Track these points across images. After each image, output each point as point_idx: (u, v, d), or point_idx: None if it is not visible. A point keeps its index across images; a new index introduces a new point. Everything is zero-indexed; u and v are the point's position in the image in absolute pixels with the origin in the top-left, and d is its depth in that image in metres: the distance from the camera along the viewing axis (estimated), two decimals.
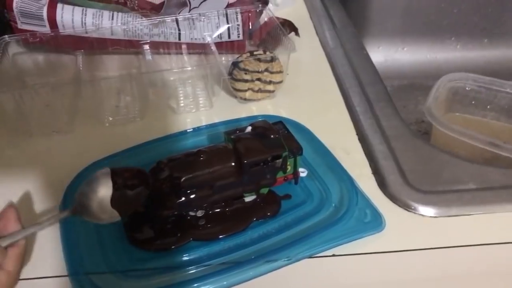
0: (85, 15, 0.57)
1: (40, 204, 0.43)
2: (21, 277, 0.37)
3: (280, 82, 0.54)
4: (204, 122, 0.52)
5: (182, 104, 0.54)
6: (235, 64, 0.52)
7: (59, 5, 0.56)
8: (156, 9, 0.63)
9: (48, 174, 0.46)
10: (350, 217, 0.40)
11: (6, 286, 0.34)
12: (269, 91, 0.54)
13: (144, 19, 0.58)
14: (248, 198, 0.42)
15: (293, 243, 0.38)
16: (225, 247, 0.39)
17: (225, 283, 0.36)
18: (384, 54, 0.90)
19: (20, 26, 0.57)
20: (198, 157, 0.39)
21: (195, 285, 0.35)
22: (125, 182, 0.37)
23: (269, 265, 0.37)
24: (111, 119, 0.52)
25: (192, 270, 0.37)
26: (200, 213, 0.41)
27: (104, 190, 0.36)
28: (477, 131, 0.56)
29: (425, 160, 0.48)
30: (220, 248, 0.39)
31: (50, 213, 0.42)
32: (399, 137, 0.50)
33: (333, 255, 0.39)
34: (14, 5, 0.55)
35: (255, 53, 0.52)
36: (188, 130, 0.50)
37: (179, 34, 0.58)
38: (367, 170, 0.46)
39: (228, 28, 0.59)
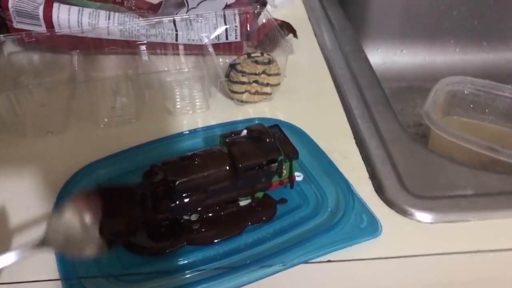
0: (82, 15, 0.56)
1: (33, 205, 0.42)
2: (13, 281, 0.36)
3: (278, 84, 0.54)
4: (200, 124, 0.52)
5: (178, 106, 0.53)
6: (232, 66, 0.51)
7: (55, 5, 0.56)
8: (154, 9, 0.63)
9: (42, 175, 0.46)
10: (346, 222, 0.40)
11: None
12: (266, 93, 0.54)
13: (141, 19, 0.58)
14: (243, 202, 0.42)
15: (288, 248, 0.37)
16: (220, 252, 0.38)
17: None
18: (382, 56, 0.90)
19: (16, 25, 0.56)
20: (192, 160, 0.39)
21: None
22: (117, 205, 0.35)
23: (264, 270, 0.36)
24: (106, 120, 0.51)
25: (186, 275, 0.37)
26: (194, 217, 0.40)
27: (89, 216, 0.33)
28: (475, 135, 0.55)
29: (423, 164, 0.47)
30: (214, 252, 0.38)
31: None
32: (397, 141, 0.49)
33: (329, 261, 0.38)
34: (10, 4, 0.55)
35: (252, 55, 0.52)
36: (184, 132, 0.50)
37: (176, 35, 0.58)
38: (364, 174, 0.46)
39: (226, 30, 0.59)
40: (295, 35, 0.63)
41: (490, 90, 0.68)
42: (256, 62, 0.51)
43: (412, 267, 0.39)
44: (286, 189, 0.43)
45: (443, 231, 0.41)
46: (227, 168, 0.39)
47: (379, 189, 0.44)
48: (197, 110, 0.54)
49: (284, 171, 0.41)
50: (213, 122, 0.52)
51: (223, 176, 0.39)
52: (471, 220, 0.42)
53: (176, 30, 0.58)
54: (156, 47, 0.58)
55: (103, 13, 0.57)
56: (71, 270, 0.36)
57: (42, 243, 0.33)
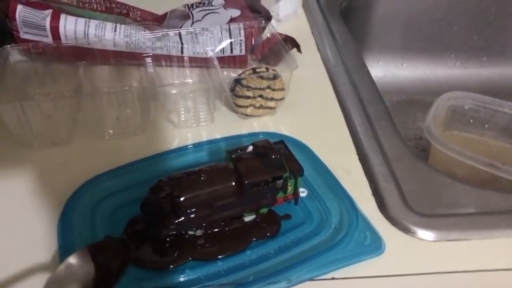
0: (88, 26, 0.57)
1: (39, 218, 0.43)
2: None
3: (282, 99, 0.54)
4: (205, 137, 0.52)
5: (183, 118, 0.54)
6: (237, 81, 0.52)
7: (62, 16, 0.56)
8: (159, 21, 0.63)
9: (48, 187, 0.46)
10: (350, 240, 0.40)
11: None
12: (270, 108, 0.54)
13: (147, 31, 0.58)
14: (248, 218, 0.42)
15: (293, 265, 0.38)
16: (224, 268, 0.39)
17: None
18: (383, 70, 0.90)
19: (23, 35, 0.57)
20: (199, 176, 0.39)
21: None
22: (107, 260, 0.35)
23: (270, 287, 0.36)
24: (111, 132, 0.52)
25: None
26: (199, 233, 0.41)
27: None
28: (475, 150, 0.56)
29: (425, 182, 0.48)
30: (219, 268, 0.39)
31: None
32: (400, 157, 0.50)
33: (333, 278, 0.38)
34: (17, 14, 0.55)
35: (257, 70, 0.52)
36: (188, 146, 0.50)
37: (182, 47, 0.58)
38: (367, 191, 0.46)
39: (231, 43, 0.59)
40: (299, 50, 0.64)
41: (490, 105, 0.69)
42: (262, 77, 0.51)
43: (415, 286, 0.39)
44: (290, 205, 0.43)
45: (445, 249, 0.42)
46: (233, 184, 0.40)
47: (382, 206, 0.45)
48: (201, 123, 0.54)
49: (289, 188, 0.42)
50: (217, 136, 0.52)
51: (228, 192, 0.40)
52: (474, 238, 0.42)
53: (182, 43, 0.58)
54: (161, 59, 0.59)
55: (109, 25, 0.58)
56: None
57: None
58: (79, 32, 0.57)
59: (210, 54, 0.59)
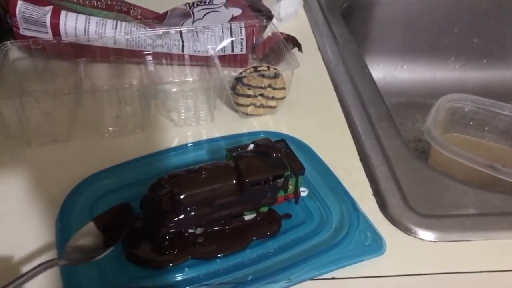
0: (89, 23, 0.57)
1: (38, 214, 0.42)
2: None
3: (283, 98, 0.54)
4: (205, 136, 0.52)
5: (183, 117, 0.53)
6: (238, 79, 0.51)
7: (63, 13, 0.56)
8: (159, 19, 0.63)
9: (47, 184, 0.45)
10: (351, 240, 0.40)
11: None
12: (271, 107, 0.54)
13: (147, 29, 0.58)
14: (248, 217, 0.42)
15: (293, 265, 0.37)
16: (224, 267, 0.38)
17: None
18: (383, 71, 0.90)
19: (22, 32, 0.56)
20: (199, 174, 0.39)
21: None
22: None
23: (269, 286, 0.36)
24: (111, 129, 0.51)
25: None
26: (199, 231, 0.40)
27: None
28: (475, 152, 0.56)
29: (426, 183, 0.47)
30: (218, 267, 0.38)
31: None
32: (400, 158, 0.50)
33: (333, 278, 0.38)
34: (17, 10, 0.55)
35: (259, 68, 0.52)
36: (188, 145, 0.50)
37: (183, 46, 0.58)
38: (368, 191, 0.46)
39: (232, 42, 0.59)
40: (300, 49, 0.63)
41: (490, 108, 0.69)
42: (263, 76, 0.51)
43: (416, 286, 0.39)
44: (291, 204, 0.43)
45: (446, 250, 0.41)
46: (233, 182, 0.39)
47: (383, 206, 0.45)
48: (202, 122, 0.54)
49: (290, 187, 0.41)
50: (217, 134, 0.52)
51: (229, 190, 0.39)
52: (474, 240, 0.42)
53: (183, 41, 0.58)
54: (161, 57, 0.59)
55: (110, 22, 0.57)
56: (76, 284, 0.36)
57: (63, 258, 0.35)
58: (80, 29, 0.57)
59: (211, 52, 0.58)
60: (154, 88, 0.52)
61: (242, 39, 0.59)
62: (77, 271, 0.37)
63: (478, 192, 0.47)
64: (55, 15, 0.56)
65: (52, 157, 0.49)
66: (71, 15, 0.56)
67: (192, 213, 0.38)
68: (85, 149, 0.50)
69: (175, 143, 0.51)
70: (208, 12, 0.63)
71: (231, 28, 0.59)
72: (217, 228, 0.41)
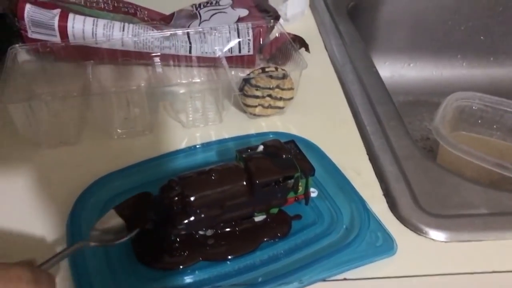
0: (96, 25, 0.57)
1: (47, 217, 0.42)
2: None
3: (291, 98, 0.54)
4: (213, 137, 0.52)
5: (191, 118, 0.53)
6: (246, 81, 0.51)
7: (71, 15, 0.56)
8: (166, 20, 0.63)
9: (56, 187, 0.46)
10: (362, 241, 0.40)
11: None
12: (279, 107, 0.54)
13: (155, 31, 0.58)
14: (258, 218, 0.42)
15: (305, 266, 0.37)
16: (235, 268, 0.38)
17: None
18: (390, 70, 0.90)
19: (31, 35, 0.56)
20: (210, 176, 0.39)
21: None
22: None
23: None
24: (119, 131, 0.52)
25: None
26: (209, 233, 0.40)
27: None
28: (483, 150, 0.56)
29: (436, 182, 0.47)
30: (229, 269, 0.38)
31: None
32: (410, 157, 0.49)
33: (345, 279, 0.38)
34: (26, 14, 0.55)
35: (266, 69, 0.52)
36: (197, 146, 0.50)
37: (190, 47, 0.58)
38: (378, 191, 0.46)
39: (239, 43, 0.59)
40: (307, 49, 0.63)
41: (498, 106, 0.68)
42: (271, 76, 0.51)
43: (427, 287, 0.39)
44: (301, 205, 0.43)
45: (457, 250, 0.41)
46: (244, 183, 0.39)
47: (393, 206, 0.44)
48: (210, 123, 0.54)
49: (300, 188, 0.41)
50: (226, 135, 0.52)
51: (239, 192, 0.39)
52: (486, 240, 0.42)
53: (190, 43, 0.58)
54: (169, 59, 0.59)
55: (117, 24, 0.57)
56: (87, 284, 0.36)
57: (91, 239, 0.37)
58: (87, 31, 0.57)
59: (219, 53, 0.58)
60: (162, 89, 0.52)
61: (249, 40, 0.59)
62: (88, 272, 0.37)
63: (488, 192, 0.46)
64: (63, 18, 0.56)
65: (62, 160, 0.49)
66: (79, 18, 0.56)
67: (203, 215, 0.38)
68: (94, 151, 0.50)
69: (183, 144, 0.51)
70: (215, 13, 0.63)
71: (238, 29, 0.58)
72: (227, 229, 0.41)
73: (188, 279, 0.38)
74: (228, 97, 0.54)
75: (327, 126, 0.54)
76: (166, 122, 0.54)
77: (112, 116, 0.51)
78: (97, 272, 0.37)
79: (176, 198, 0.38)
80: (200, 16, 0.63)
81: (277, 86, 0.52)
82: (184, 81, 0.59)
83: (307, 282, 0.37)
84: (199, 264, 0.39)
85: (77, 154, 0.50)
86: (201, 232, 0.40)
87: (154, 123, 0.53)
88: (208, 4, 0.65)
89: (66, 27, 0.56)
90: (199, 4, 0.65)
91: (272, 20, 0.60)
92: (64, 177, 0.47)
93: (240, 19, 0.62)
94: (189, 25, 0.61)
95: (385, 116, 0.55)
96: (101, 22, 0.57)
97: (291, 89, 0.53)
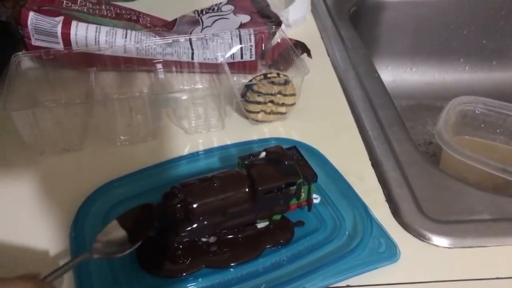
0: (99, 32, 0.57)
1: (51, 224, 0.43)
2: None
3: (293, 104, 0.54)
4: (216, 143, 0.52)
5: (193, 125, 0.53)
6: (248, 87, 0.52)
7: (73, 23, 0.57)
8: (168, 27, 0.64)
9: (59, 194, 0.46)
10: (365, 247, 0.40)
11: None
12: (281, 113, 0.54)
13: (157, 37, 0.58)
14: (261, 225, 0.42)
15: (308, 273, 0.37)
16: (238, 275, 0.38)
17: None
18: (392, 74, 0.90)
19: (34, 42, 0.57)
20: (212, 182, 0.39)
21: None
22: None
23: None
24: (122, 138, 0.52)
25: None
26: (212, 239, 0.40)
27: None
28: (486, 155, 0.55)
29: (439, 188, 0.47)
30: (232, 276, 0.38)
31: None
32: (412, 163, 0.49)
33: (348, 286, 0.38)
34: (29, 21, 0.56)
35: (268, 75, 0.52)
36: (200, 152, 0.50)
37: (192, 53, 0.58)
38: (381, 197, 0.46)
39: (241, 49, 0.59)
40: (309, 55, 0.63)
41: (501, 110, 0.68)
42: (273, 82, 0.51)
43: None
44: (303, 212, 0.43)
45: (461, 256, 0.41)
46: (246, 190, 0.39)
47: (396, 212, 0.44)
48: (212, 129, 0.54)
49: (303, 194, 0.41)
50: (228, 142, 0.52)
51: (242, 199, 0.39)
52: (490, 245, 0.42)
53: (192, 49, 0.58)
54: (171, 65, 0.59)
55: (120, 31, 0.58)
56: None
57: (95, 252, 0.37)
58: (90, 38, 0.57)
59: (221, 59, 0.59)
60: (164, 96, 0.53)
61: (251, 45, 0.59)
62: (91, 279, 0.37)
63: (492, 197, 0.46)
64: (66, 25, 0.56)
65: (65, 166, 0.49)
66: (82, 25, 0.57)
67: (205, 222, 0.38)
68: (97, 158, 0.50)
69: (186, 151, 0.51)
70: (217, 19, 0.63)
71: (240, 35, 0.59)
72: (230, 236, 0.41)
73: (191, 287, 0.38)
74: (230, 103, 0.54)
75: (329, 131, 0.54)
76: (169, 129, 0.54)
77: (115, 123, 0.51)
78: (100, 281, 0.37)
79: (179, 205, 0.38)
80: (202, 22, 0.63)
81: (279, 92, 0.52)
82: (186, 88, 0.59)
83: None
84: (202, 272, 0.39)
85: (80, 161, 0.50)
86: (204, 239, 0.40)
87: (157, 129, 0.53)
88: (210, 11, 0.65)
89: (69, 34, 0.56)
90: (201, 10, 0.65)
91: (274, 26, 0.60)
92: (67, 184, 0.47)
93: (242, 25, 0.62)
94: (191, 32, 0.62)
95: (387, 121, 0.55)
96: (104, 29, 0.57)
97: (293, 95, 0.53)
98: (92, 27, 0.57)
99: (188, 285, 0.38)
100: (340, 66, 0.66)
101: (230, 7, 0.65)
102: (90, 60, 0.56)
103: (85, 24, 0.57)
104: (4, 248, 0.41)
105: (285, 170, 0.41)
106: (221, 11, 0.64)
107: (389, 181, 0.47)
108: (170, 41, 0.57)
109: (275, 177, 0.40)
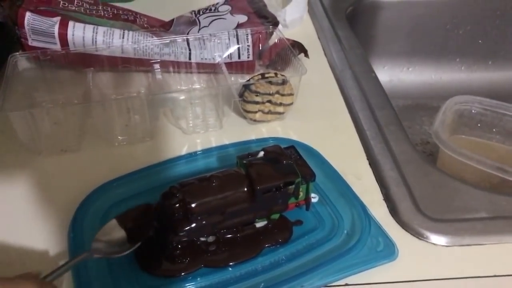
0: (96, 33, 0.57)
1: (49, 225, 0.43)
2: None
3: (290, 104, 0.54)
4: (214, 143, 0.52)
5: (191, 125, 0.53)
6: (246, 86, 0.52)
7: (71, 23, 0.56)
8: (165, 27, 0.64)
9: (57, 194, 0.46)
10: (363, 246, 0.40)
11: None
12: (279, 113, 0.54)
13: (154, 37, 0.58)
14: (259, 224, 0.42)
15: (306, 272, 0.37)
16: (236, 275, 0.38)
17: None
18: (389, 74, 0.90)
19: (31, 43, 0.57)
20: (211, 182, 0.39)
21: None
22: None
23: None
24: (120, 138, 0.52)
25: None
26: (211, 239, 0.40)
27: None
28: (483, 154, 0.56)
29: (436, 186, 0.47)
30: (231, 275, 0.38)
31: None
32: (410, 162, 0.50)
33: (346, 284, 0.38)
34: (26, 22, 0.55)
35: (266, 75, 0.52)
36: (198, 152, 0.50)
37: (190, 53, 0.58)
38: (378, 196, 0.46)
39: (238, 49, 0.59)
40: (306, 55, 0.64)
41: (497, 109, 0.69)
42: (270, 82, 0.51)
43: None
44: (302, 211, 0.43)
45: (458, 254, 0.41)
46: (245, 190, 0.39)
47: (394, 211, 0.44)
48: (210, 129, 0.54)
49: (301, 193, 0.41)
50: (226, 141, 0.52)
51: (240, 198, 0.39)
52: (487, 243, 0.42)
53: (190, 49, 0.58)
54: (169, 66, 0.59)
55: (117, 32, 0.58)
56: None
57: (95, 252, 0.37)
58: (87, 39, 0.57)
59: (218, 59, 0.59)
60: (162, 96, 0.53)
61: (248, 46, 0.59)
62: (91, 280, 0.37)
63: (489, 195, 0.46)
64: (63, 26, 0.56)
65: (63, 167, 0.49)
66: (79, 25, 0.57)
67: (204, 221, 0.38)
68: (95, 158, 0.50)
69: (184, 150, 0.51)
70: (214, 20, 0.63)
71: (237, 35, 0.59)
72: (229, 236, 0.41)
73: (190, 286, 0.38)
74: (228, 103, 0.54)
75: (327, 131, 0.54)
76: (167, 129, 0.54)
77: (112, 123, 0.51)
78: (99, 280, 0.37)
79: (178, 205, 0.38)
80: (200, 23, 0.63)
81: (277, 92, 0.52)
82: (184, 88, 0.59)
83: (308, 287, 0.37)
84: (200, 271, 0.39)
85: (78, 162, 0.50)
86: (202, 239, 0.40)
87: (155, 129, 0.53)
88: (207, 11, 0.65)
89: (66, 34, 0.56)
90: (198, 11, 0.65)
91: (271, 26, 0.60)
92: (65, 184, 0.47)
93: (239, 25, 0.62)
94: (189, 32, 0.62)
95: (384, 120, 0.55)
96: (101, 29, 0.57)
97: (291, 94, 0.53)
98: (90, 28, 0.57)
99: (187, 284, 0.38)
100: (337, 66, 0.66)
101: (227, 7, 0.65)
102: (88, 61, 0.56)
103: (82, 25, 0.57)
104: (3, 248, 0.41)
105: (284, 170, 0.41)
106: (218, 11, 0.64)
107: (386, 180, 0.48)
108: (168, 41, 0.57)
109: (273, 176, 0.40)
